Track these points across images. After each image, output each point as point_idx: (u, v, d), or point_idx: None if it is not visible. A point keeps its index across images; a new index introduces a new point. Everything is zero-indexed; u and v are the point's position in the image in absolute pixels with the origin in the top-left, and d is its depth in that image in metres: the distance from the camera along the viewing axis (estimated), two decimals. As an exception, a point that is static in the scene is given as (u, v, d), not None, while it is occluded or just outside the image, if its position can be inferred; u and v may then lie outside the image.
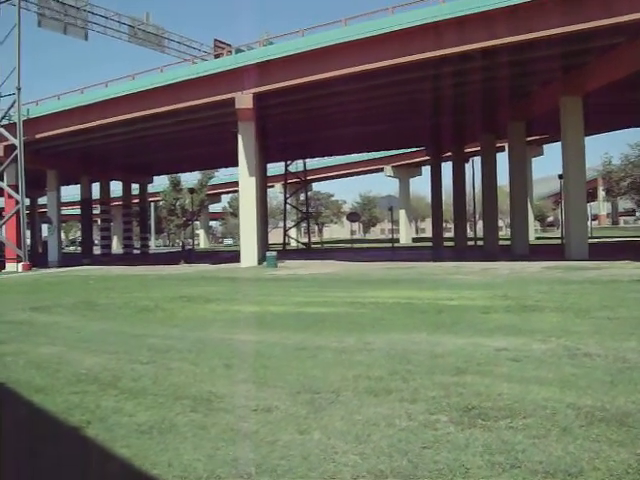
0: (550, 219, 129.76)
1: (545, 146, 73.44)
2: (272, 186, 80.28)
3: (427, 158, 65.35)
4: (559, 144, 36.13)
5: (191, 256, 49.47)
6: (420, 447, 4.97)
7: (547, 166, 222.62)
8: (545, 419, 5.55)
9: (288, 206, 74.55)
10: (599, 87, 31.84)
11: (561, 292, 16.46)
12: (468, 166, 55.06)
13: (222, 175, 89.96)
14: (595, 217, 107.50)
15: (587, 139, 34.66)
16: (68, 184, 67.90)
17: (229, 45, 45.35)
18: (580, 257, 30.58)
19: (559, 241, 42.62)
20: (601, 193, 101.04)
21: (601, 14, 25.46)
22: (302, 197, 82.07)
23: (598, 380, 6.88)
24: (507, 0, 26.78)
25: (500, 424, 5.46)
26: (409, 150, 74.21)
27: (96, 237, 79.07)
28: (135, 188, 69.97)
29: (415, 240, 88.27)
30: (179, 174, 75.25)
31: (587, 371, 7.36)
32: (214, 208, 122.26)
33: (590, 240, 36.99)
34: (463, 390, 6.61)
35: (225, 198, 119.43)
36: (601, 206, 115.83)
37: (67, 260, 51.25)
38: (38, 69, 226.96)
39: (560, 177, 37.04)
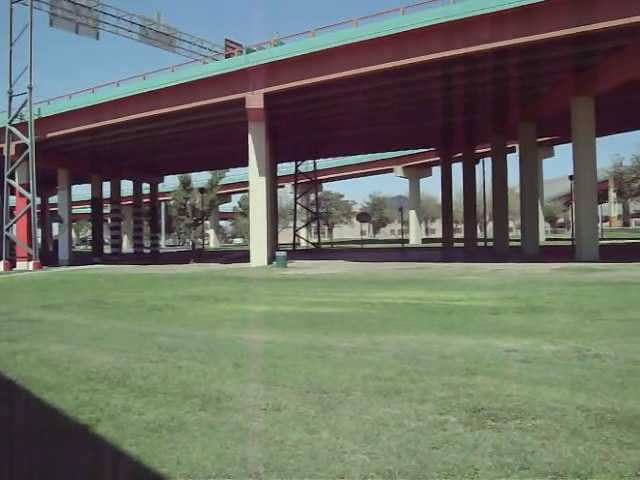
0: (560, 220, 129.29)
1: (556, 147, 73.20)
2: (282, 186, 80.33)
3: (437, 159, 65.37)
4: (570, 145, 36.03)
5: (201, 255, 49.61)
6: (429, 447, 4.96)
7: (558, 167, 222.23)
8: (555, 420, 5.53)
9: (298, 206, 74.49)
10: (610, 88, 31.75)
11: (571, 293, 16.42)
12: (478, 167, 55.06)
13: (232, 175, 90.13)
14: (606, 219, 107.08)
15: (598, 140, 34.52)
16: (79, 183, 68.17)
17: (240, 45, 45.35)
18: (591, 259, 30.51)
19: (569, 242, 42.50)
20: (612, 194, 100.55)
21: (613, 14, 25.34)
22: (312, 197, 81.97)
23: (608, 382, 6.85)
24: (518, 1, 26.72)
25: (509, 425, 5.45)
26: (419, 151, 74.10)
27: (106, 236, 79.24)
28: (146, 187, 70.17)
29: (425, 241, 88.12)
30: (190, 174, 75.33)
31: (597, 373, 7.33)
32: (224, 208, 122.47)
33: (601, 242, 36.85)
34: (472, 391, 6.59)
35: (235, 198, 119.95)
36: (612, 208, 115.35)
37: (77, 259, 51.47)
38: (48, 66, 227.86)
39: (571, 178, 36.92)
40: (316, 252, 61.21)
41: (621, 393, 6.37)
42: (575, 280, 20.69)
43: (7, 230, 45.49)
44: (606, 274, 22.48)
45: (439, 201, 73.12)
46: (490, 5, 27.41)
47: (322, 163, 79.70)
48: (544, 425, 5.41)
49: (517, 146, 45.37)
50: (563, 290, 17.43)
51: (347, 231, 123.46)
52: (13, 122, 43.29)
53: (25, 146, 42.66)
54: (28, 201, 43.80)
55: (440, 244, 61.11)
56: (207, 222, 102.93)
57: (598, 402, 6.04)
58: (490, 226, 56.43)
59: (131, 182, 68.08)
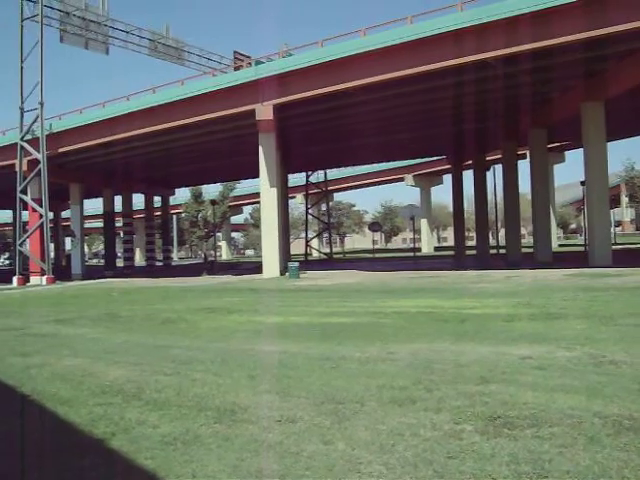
0: (573, 226, 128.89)
1: (567, 153, 73.04)
2: (293, 197, 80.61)
3: (448, 167, 65.24)
4: (581, 150, 35.92)
5: (213, 267, 49.71)
6: (445, 457, 4.93)
7: (569, 173, 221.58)
8: (572, 428, 5.48)
9: (310, 216, 74.65)
10: (621, 92, 31.67)
11: (585, 299, 16.33)
12: (489, 174, 54.88)
13: (243, 186, 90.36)
14: (618, 223, 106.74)
15: (609, 145, 34.41)
16: (91, 197, 68.53)
17: (249, 57, 45.62)
18: (604, 264, 30.36)
19: (582, 248, 42.33)
20: (624, 199, 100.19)
21: (624, 18, 25.31)
22: (323, 207, 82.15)
23: (625, 388, 6.79)
24: (527, 7, 26.71)
25: (526, 433, 5.41)
26: (430, 159, 74.04)
27: (119, 250, 79.49)
28: (157, 200, 70.39)
29: (437, 249, 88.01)
30: (201, 186, 75.61)
31: (613, 379, 7.28)
32: (236, 219, 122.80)
33: (614, 247, 36.71)
34: (488, 399, 6.55)
35: (247, 209, 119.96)
36: (624, 212, 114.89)
37: (90, 273, 51.62)
38: (59, 80, 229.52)
39: (582, 184, 36.85)
40: (328, 262, 61.23)
41: (638, 399, 6.31)
42: (589, 286, 20.58)
43: (20, 245, 45.78)
44: (620, 279, 22.35)
45: (450, 209, 73.06)
46: (500, 12, 27.42)
47: (333, 173, 79.89)
48: (561, 433, 5.36)
49: (528, 152, 45.25)
50: (577, 296, 17.34)
51: (359, 241, 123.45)
52: (25, 138, 43.60)
53: (37, 161, 42.96)
54: (41, 216, 44.07)
55: (452, 252, 60.96)
56: (219, 234, 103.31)
57: (615, 409, 5.99)
58: (502, 233, 56.22)
59: (142, 195, 68.34)
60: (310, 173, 71.05)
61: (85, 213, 58.02)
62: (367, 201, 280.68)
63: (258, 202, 57.29)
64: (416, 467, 4.74)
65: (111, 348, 11.65)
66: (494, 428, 5.58)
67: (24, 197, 44.75)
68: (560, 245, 71.80)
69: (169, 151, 48.63)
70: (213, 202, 61.12)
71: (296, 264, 34.78)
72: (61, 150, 44.24)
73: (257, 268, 39.88)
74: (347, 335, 11.86)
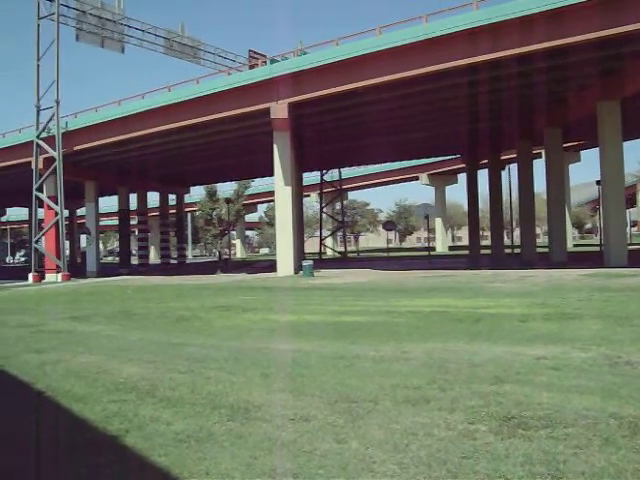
0: (588, 226, 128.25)
1: (582, 152, 72.66)
2: (308, 195, 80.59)
3: (463, 166, 65.08)
4: (597, 150, 35.72)
5: (228, 266, 49.75)
6: (459, 457, 4.91)
7: (585, 172, 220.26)
8: (587, 429, 5.45)
9: (324, 215, 74.63)
10: (637, 91, 31.43)
11: (601, 300, 16.25)
12: (504, 173, 54.69)
13: (258, 185, 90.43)
14: (634, 223, 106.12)
15: (625, 144, 34.21)
16: (106, 195, 68.86)
17: (264, 55, 45.64)
18: (619, 264, 30.20)
19: (597, 248, 42.09)
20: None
21: (637, 18, 25.13)
22: (338, 206, 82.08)
23: (641, 389, 6.75)
24: (543, 5, 26.58)
25: (540, 434, 5.38)
26: (445, 158, 73.94)
27: (134, 247, 79.72)
28: (172, 199, 70.55)
29: (451, 248, 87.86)
30: (215, 184, 75.64)
31: (629, 380, 7.24)
32: (250, 218, 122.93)
33: (629, 247, 36.48)
34: (502, 399, 6.53)
35: (261, 208, 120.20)
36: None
37: (105, 270, 51.80)
38: (74, 78, 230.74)
39: (598, 183, 36.60)
40: (342, 261, 61.23)
41: (654, 400, 6.27)
42: (604, 286, 20.48)
43: (36, 242, 46.02)
44: (635, 280, 22.23)
45: (465, 208, 72.85)
46: (516, 10, 27.29)
47: (347, 172, 79.80)
48: (576, 433, 5.34)
49: (543, 152, 45.06)
50: (592, 296, 17.25)
51: (373, 239, 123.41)
52: (41, 136, 43.83)
53: (53, 159, 43.17)
54: (56, 213, 44.30)
55: (467, 251, 60.80)
56: (233, 232, 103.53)
57: (631, 410, 5.96)
58: (517, 233, 56.02)
59: (157, 193, 68.54)
60: (324, 172, 71.07)
61: (100, 211, 58.24)
62: (381, 200, 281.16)
63: (273, 200, 57.32)
64: (430, 467, 4.73)
65: (125, 345, 11.69)
66: (508, 428, 5.55)
67: (40, 195, 44.98)
68: (575, 245, 71.47)
69: (184, 149, 48.70)
70: (228, 200, 61.12)
71: (310, 262, 34.76)
72: (77, 148, 44.40)
73: (271, 266, 39.90)
74: (361, 334, 11.85)
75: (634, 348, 9.13)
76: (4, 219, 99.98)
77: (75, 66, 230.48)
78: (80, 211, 75.25)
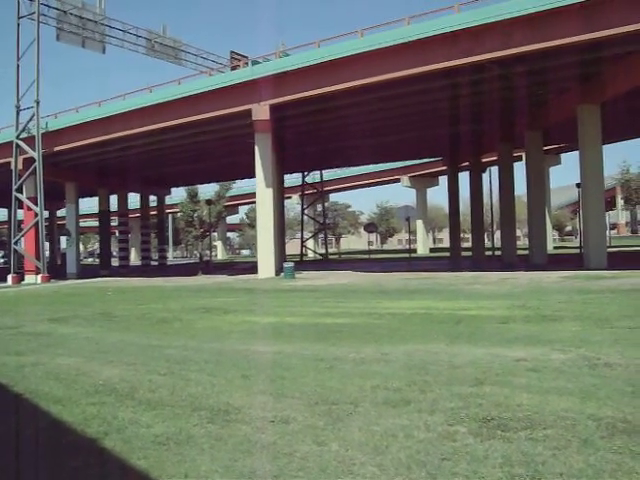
0: (568, 228, 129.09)
1: (562, 155, 73.09)
2: (289, 197, 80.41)
3: (444, 168, 65.19)
4: (577, 153, 35.95)
5: (209, 267, 49.68)
6: (439, 459, 4.92)
7: (565, 175, 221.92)
8: (565, 430, 5.48)
9: (305, 217, 74.69)
10: (617, 95, 31.69)
11: (580, 302, 16.36)
12: (485, 176, 54.88)
13: (239, 186, 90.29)
14: (614, 226, 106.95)
15: (605, 147, 34.47)
16: (86, 196, 68.41)
17: (245, 57, 45.54)
18: (599, 266, 30.41)
19: (577, 250, 42.35)
20: (620, 202, 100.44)
21: (621, 21, 25.34)
22: (319, 208, 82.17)
23: (619, 391, 6.79)
24: (524, 9, 26.73)
25: (520, 435, 5.40)
26: (426, 160, 74.09)
27: (114, 249, 79.36)
28: (153, 200, 70.31)
29: (433, 250, 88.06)
30: (197, 186, 75.54)
31: (608, 381, 7.28)
32: (231, 219, 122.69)
33: (609, 249, 36.72)
34: (482, 401, 6.54)
35: (242, 209, 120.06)
36: (620, 215, 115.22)
37: (85, 272, 51.52)
38: (55, 78, 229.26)
39: (578, 186, 36.82)
40: (324, 263, 61.22)
41: (632, 402, 6.31)
42: (584, 288, 20.61)
43: (15, 244, 45.69)
44: (615, 282, 22.39)
45: (446, 210, 73.07)
46: (497, 13, 27.44)
47: (329, 174, 79.89)
48: (555, 435, 5.36)
49: (524, 154, 45.30)
50: (572, 298, 17.37)
51: (354, 241, 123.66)
52: (21, 136, 43.52)
53: (33, 160, 42.86)
54: (36, 214, 43.99)
55: (448, 254, 60.99)
56: (214, 234, 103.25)
57: (609, 411, 5.99)
58: (498, 235, 56.26)
59: (138, 195, 68.25)
60: (306, 173, 71.07)
61: (80, 212, 57.86)
62: (363, 202, 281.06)
63: (254, 202, 57.39)
64: (409, 468, 4.74)
65: (105, 347, 11.63)
66: (488, 430, 5.57)
67: (19, 195, 44.65)
68: (555, 247, 71.80)
69: (165, 150, 48.57)
70: (209, 202, 61.12)
71: (291, 264, 34.75)
72: (57, 149, 44.17)
73: (252, 268, 39.85)
74: (342, 336, 11.85)
75: (613, 350, 9.18)
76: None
77: (56, 68, 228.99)
78: (60, 212, 74.70)
